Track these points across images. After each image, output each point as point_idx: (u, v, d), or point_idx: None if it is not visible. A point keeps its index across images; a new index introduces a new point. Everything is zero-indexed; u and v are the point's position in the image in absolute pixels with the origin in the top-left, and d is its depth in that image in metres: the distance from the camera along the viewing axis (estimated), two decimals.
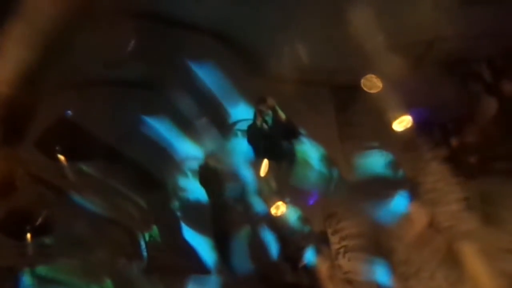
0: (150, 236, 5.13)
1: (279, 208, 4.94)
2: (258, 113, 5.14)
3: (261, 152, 5.04)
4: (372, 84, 4.67)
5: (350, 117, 5.12)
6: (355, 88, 4.88)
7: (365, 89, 4.69)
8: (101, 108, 4.64)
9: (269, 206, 4.96)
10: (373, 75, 4.68)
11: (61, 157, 4.60)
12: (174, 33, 4.19)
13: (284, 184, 5.02)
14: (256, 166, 5.08)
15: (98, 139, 4.71)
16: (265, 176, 5.03)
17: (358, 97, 4.93)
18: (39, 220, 4.66)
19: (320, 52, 4.85)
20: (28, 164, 4.35)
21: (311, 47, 4.81)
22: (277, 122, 5.12)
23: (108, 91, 4.66)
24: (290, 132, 5.17)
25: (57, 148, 4.56)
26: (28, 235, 4.64)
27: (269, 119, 5.14)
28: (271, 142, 5.13)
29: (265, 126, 5.15)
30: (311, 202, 5.17)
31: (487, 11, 4.74)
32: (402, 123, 4.66)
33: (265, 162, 5.03)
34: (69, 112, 4.54)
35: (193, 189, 5.28)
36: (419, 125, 4.82)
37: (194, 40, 4.35)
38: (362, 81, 4.69)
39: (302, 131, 5.22)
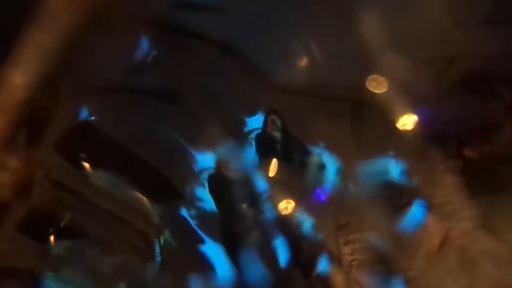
0: (165, 241, 5.22)
1: (288, 207, 4.97)
2: (270, 122, 5.27)
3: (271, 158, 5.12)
4: (378, 84, 4.70)
5: (365, 128, 5.17)
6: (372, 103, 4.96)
7: (370, 89, 4.72)
8: (121, 114, 4.77)
9: (278, 207, 5.00)
10: (379, 75, 4.71)
11: (82, 162, 4.73)
12: (188, 43, 4.32)
13: (295, 187, 5.06)
14: (265, 169, 5.14)
15: (117, 144, 4.83)
16: (274, 177, 5.08)
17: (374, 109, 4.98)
18: (62, 223, 4.78)
19: (336, 66, 4.96)
20: (48, 168, 4.49)
21: (327, 61, 4.92)
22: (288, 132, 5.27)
23: (127, 98, 4.80)
24: (300, 145, 5.29)
25: (77, 153, 4.70)
26: (51, 238, 4.76)
27: (279, 129, 5.28)
28: (282, 150, 5.24)
29: (276, 135, 5.27)
30: (322, 199, 5.16)
31: (508, 31, 4.76)
32: (408, 122, 4.71)
33: (274, 162, 5.09)
34: (91, 117, 4.68)
35: (209, 199, 5.37)
36: (432, 136, 4.84)
37: (206, 51, 4.48)
38: (368, 80, 4.72)
39: (317, 143, 5.31)
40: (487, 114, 4.95)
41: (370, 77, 4.73)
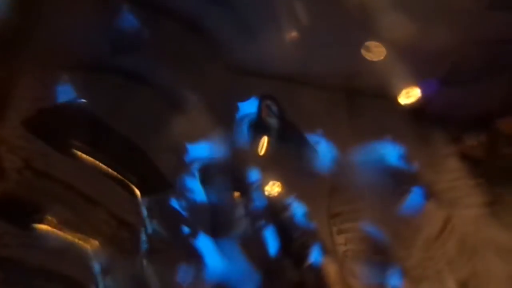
0: (153, 230, 5.08)
1: (274, 188, 4.76)
2: (265, 108, 5.08)
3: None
4: (375, 50, 4.39)
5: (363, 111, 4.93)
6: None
7: (366, 57, 4.42)
8: (108, 96, 4.61)
9: (267, 190, 4.80)
10: (375, 42, 4.41)
11: (72, 150, 4.60)
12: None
13: (289, 172, 4.84)
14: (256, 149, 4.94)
15: (105, 128, 4.68)
16: (265, 156, 4.87)
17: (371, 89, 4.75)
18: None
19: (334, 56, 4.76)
20: (30, 155, 4.36)
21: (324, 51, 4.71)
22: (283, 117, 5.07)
23: (117, 80, 4.66)
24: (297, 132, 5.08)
25: (66, 139, 4.57)
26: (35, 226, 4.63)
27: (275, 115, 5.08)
28: (278, 137, 5.04)
29: (271, 121, 5.08)
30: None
31: None
32: (410, 96, 4.42)
33: (265, 140, 4.89)
34: (78, 99, 4.52)
35: (200, 190, 5.20)
36: (435, 118, 4.57)
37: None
38: (363, 48, 4.42)
39: (315, 131, 5.10)
40: (491, 99, 4.68)
41: (366, 43, 4.43)
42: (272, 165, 4.85)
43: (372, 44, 4.41)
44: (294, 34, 4.55)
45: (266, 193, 4.79)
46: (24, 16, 3.13)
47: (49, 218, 4.46)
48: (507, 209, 4.44)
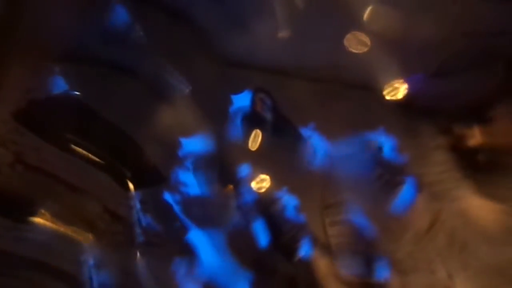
0: (147, 223, 5.08)
1: (262, 182, 4.75)
2: (258, 101, 5.08)
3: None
4: (359, 42, 4.35)
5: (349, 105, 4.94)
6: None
7: (350, 48, 4.39)
8: (97, 87, 4.60)
9: (256, 184, 4.79)
10: (359, 32, 4.38)
11: (69, 145, 4.60)
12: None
13: (281, 165, 4.84)
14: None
15: (96, 119, 4.68)
16: (257, 151, 4.86)
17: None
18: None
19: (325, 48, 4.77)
20: (21, 149, 4.36)
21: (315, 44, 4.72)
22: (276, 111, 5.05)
23: (106, 71, 4.66)
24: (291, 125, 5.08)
25: (61, 133, 4.56)
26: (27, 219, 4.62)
27: (269, 106, 5.08)
28: (272, 130, 5.04)
29: (265, 114, 5.08)
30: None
31: (507, 8, 4.50)
32: (396, 91, 4.40)
33: (257, 134, 4.88)
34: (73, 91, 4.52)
35: (193, 183, 5.20)
36: (422, 110, 4.56)
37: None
38: (348, 41, 4.38)
39: (307, 123, 5.10)
40: (480, 91, 4.65)
41: (349, 34, 4.40)
42: (264, 158, 4.85)
43: (357, 36, 4.39)
44: (285, 26, 4.55)
45: (256, 186, 4.79)
46: (11, 7, 3.14)
47: (42, 211, 4.49)
48: (494, 199, 4.43)
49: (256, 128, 4.98)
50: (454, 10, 4.52)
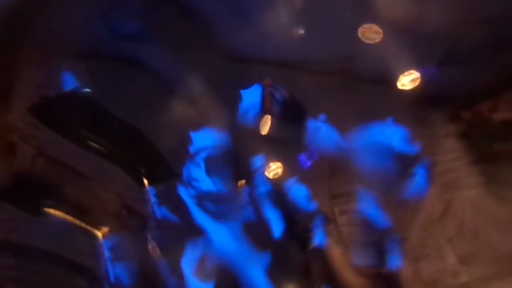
0: (161, 216, 5.12)
1: (275, 170, 4.77)
2: (268, 94, 5.10)
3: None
4: (372, 33, 4.37)
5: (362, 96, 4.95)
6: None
7: (363, 39, 4.41)
8: (109, 83, 4.65)
9: (269, 172, 4.81)
10: (372, 25, 4.39)
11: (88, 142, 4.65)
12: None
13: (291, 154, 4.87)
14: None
15: (109, 115, 4.73)
16: (267, 135, 4.87)
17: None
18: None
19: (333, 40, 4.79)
20: (42, 143, 4.42)
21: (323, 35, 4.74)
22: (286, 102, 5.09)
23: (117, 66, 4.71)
24: (300, 112, 5.10)
25: (78, 129, 4.60)
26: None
27: (279, 100, 5.11)
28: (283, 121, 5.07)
29: (275, 107, 5.11)
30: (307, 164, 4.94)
31: None
32: (409, 81, 4.40)
33: (267, 118, 4.90)
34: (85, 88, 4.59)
35: (206, 178, 5.25)
36: (433, 98, 4.56)
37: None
38: (360, 30, 4.40)
39: (316, 115, 5.13)
40: (491, 78, 4.64)
41: (362, 26, 4.43)
42: (274, 147, 4.87)
43: (369, 26, 4.41)
44: (292, 19, 4.58)
45: (268, 175, 4.81)
46: (25, 5, 3.20)
47: (59, 204, 4.55)
48: (504, 186, 4.42)
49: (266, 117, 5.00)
50: None
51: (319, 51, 5.05)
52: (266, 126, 4.92)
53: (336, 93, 5.10)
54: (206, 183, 5.16)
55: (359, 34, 4.44)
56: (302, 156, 4.94)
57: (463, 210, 4.52)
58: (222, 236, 4.92)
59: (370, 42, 4.40)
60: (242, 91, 5.11)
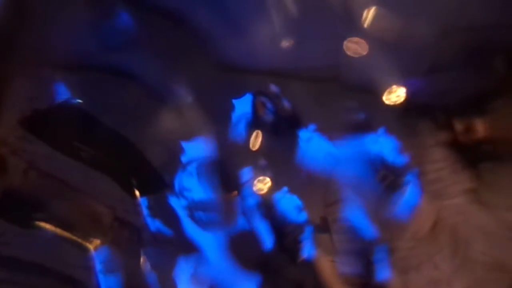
0: (155, 228, 5.11)
1: (264, 184, 4.78)
2: (259, 104, 5.11)
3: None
4: (357, 46, 4.40)
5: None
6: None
7: (348, 53, 4.44)
8: (99, 94, 4.65)
9: (257, 186, 4.81)
10: (357, 38, 4.42)
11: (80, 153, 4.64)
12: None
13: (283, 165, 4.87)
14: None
15: (100, 126, 4.72)
16: (257, 150, 4.89)
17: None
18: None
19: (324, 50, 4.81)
20: (33, 157, 4.41)
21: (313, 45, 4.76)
22: (280, 112, 5.08)
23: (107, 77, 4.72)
24: (294, 122, 5.10)
25: (70, 141, 4.59)
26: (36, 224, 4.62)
27: (270, 110, 5.11)
28: (275, 131, 5.07)
29: (267, 117, 5.11)
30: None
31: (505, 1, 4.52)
32: (395, 95, 4.42)
33: (257, 134, 4.91)
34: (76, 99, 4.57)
35: (198, 189, 5.25)
36: (420, 108, 4.58)
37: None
38: (345, 44, 4.43)
39: (309, 124, 5.13)
40: (479, 85, 4.67)
41: (348, 39, 4.46)
42: (266, 159, 4.88)
43: (354, 41, 4.45)
44: (283, 28, 4.60)
45: (258, 189, 4.81)
46: (12, 16, 3.20)
47: (51, 216, 4.53)
48: (494, 192, 4.43)
49: (257, 129, 5.01)
50: (451, 5, 4.54)
51: (309, 60, 5.10)
52: (257, 142, 4.92)
53: (326, 101, 5.13)
54: (198, 192, 5.17)
55: (345, 47, 4.46)
56: (294, 167, 4.95)
57: (453, 218, 4.53)
58: (213, 251, 4.92)
59: (356, 56, 4.42)
60: (233, 101, 5.14)
